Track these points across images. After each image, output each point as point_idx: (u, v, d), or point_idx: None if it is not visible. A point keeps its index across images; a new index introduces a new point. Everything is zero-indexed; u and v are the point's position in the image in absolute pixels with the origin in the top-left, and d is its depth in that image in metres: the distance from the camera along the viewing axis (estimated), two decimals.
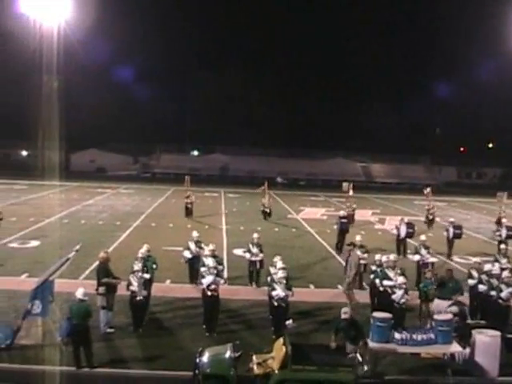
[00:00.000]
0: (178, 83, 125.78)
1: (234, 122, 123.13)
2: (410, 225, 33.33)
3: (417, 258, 26.01)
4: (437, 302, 19.94)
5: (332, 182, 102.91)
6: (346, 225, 34.25)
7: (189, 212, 45.24)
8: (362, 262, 24.78)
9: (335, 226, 34.95)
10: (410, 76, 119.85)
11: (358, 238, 26.41)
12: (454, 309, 18.17)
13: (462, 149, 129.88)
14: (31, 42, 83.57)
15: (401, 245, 33.26)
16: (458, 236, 33.55)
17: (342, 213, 36.09)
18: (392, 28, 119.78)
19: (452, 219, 35.50)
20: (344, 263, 25.34)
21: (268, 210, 46.21)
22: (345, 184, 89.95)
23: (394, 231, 34.56)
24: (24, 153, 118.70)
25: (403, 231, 33.06)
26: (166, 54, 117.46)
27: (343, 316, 16.31)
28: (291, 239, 38.23)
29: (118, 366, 16.20)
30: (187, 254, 24.56)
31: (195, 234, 25.58)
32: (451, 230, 33.51)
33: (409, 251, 32.14)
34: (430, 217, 43.94)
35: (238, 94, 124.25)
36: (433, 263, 25.99)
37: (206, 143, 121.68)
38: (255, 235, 26.08)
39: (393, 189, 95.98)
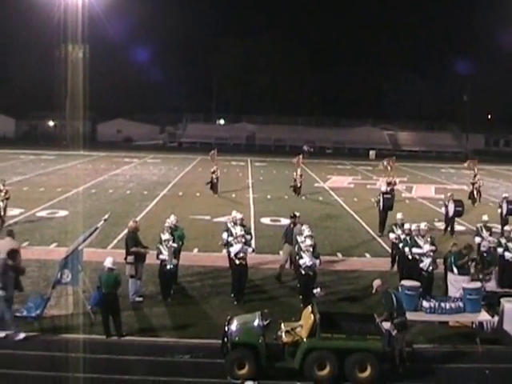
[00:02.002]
0: (204, 51, 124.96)
1: (260, 91, 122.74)
2: (458, 202, 30.79)
3: (477, 240, 22.73)
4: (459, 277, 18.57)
5: (359, 151, 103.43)
6: (389, 201, 30.13)
7: (215, 188, 42.43)
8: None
9: (375, 203, 31.11)
10: (439, 44, 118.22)
11: (399, 215, 23.77)
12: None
13: (489, 116, 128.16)
14: (55, 12, 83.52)
15: (449, 224, 30.79)
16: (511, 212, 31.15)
17: (383, 188, 32.49)
18: None
19: (506, 194, 32.86)
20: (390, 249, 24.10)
21: (299, 184, 43.36)
22: (371, 152, 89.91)
23: (443, 209, 31.72)
24: (51, 123, 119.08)
25: (451, 209, 30.50)
26: (193, 23, 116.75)
27: (373, 291, 15.71)
28: (318, 208, 38.24)
29: (147, 335, 16.24)
30: (225, 236, 21.31)
31: (235, 214, 22.26)
32: (505, 205, 31.17)
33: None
34: (475, 191, 40.66)
35: (264, 62, 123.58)
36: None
37: (232, 112, 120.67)
38: (234, 214, 22.42)
39: (420, 157, 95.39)
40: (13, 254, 16.27)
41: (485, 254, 20.85)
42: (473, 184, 41.03)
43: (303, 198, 41.53)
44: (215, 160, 43.42)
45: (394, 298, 15.01)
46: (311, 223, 24.30)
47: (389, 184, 35.82)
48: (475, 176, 41.25)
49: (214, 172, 42.32)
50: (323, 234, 29.06)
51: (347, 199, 41.84)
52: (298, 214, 22.83)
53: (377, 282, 15.54)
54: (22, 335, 15.60)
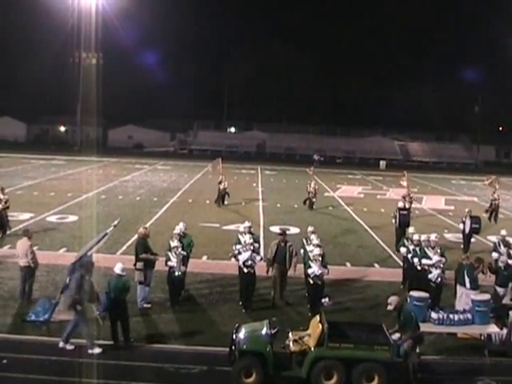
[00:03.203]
0: (216, 59, 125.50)
1: (272, 99, 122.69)
2: (475, 219, 29.71)
3: (495, 255, 22.09)
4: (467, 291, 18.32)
5: (369, 160, 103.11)
6: (406, 217, 28.96)
7: (219, 199, 39.90)
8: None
9: (393, 220, 29.55)
10: (450, 54, 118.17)
11: (410, 230, 23.44)
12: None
13: (500, 128, 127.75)
14: (69, 18, 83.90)
15: (465, 241, 29.52)
16: None
17: (400, 204, 30.63)
18: (433, 6, 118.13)
19: None
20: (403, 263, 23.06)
21: (314, 199, 40.80)
22: (382, 162, 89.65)
23: (460, 226, 29.98)
24: (62, 128, 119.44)
25: (468, 226, 29.34)
26: (205, 29, 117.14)
27: (388, 307, 15.11)
28: (327, 217, 38.20)
29: (155, 341, 16.20)
30: (235, 250, 20.33)
31: (246, 224, 21.57)
32: None
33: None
34: (493, 210, 38.88)
35: (276, 70, 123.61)
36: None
37: (243, 120, 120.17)
38: (246, 224, 21.64)
39: (430, 167, 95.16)
40: (89, 267, 16.11)
41: (502, 269, 19.70)
42: (492, 201, 39.41)
43: (313, 207, 41.30)
44: (220, 169, 40.87)
45: (414, 316, 14.75)
46: (320, 232, 24.16)
47: (404, 198, 34.19)
48: (494, 192, 39.76)
49: (220, 182, 39.75)
50: (332, 243, 28.99)
51: (357, 209, 41.82)
52: (287, 231, 22.62)
53: (394, 299, 14.96)
54: (97, 349, 15.45)
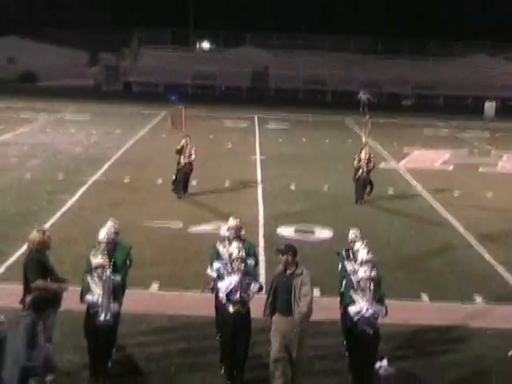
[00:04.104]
0: None
1: None
2: None
3: None
4: None
5: (464, 102, 69.22)
6: None
7: (183, 183, 24.58)
8: None
9: None
10: None
11: None
12: None
13: None
14: None
15: None
16: None
17: None
18: None
19: None
20: None
21: (365, 173, 24.25)
22: (488, 104, 59.58)
23: None
24: None
25: None
26: None
27: None
28: (387, 210, 24.60)
29: None
30: (213, 273, 12.64)
31: (232, 221, 13.01)
32: None
33: None
34: None
35: None
36: None
37: (224, 28, 77.01)
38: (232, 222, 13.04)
39: None
40: None
41: None
42: None
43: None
44: (183, 126, 25.63)
45: None
46: (371, 238, 15.20)
47: None
48: None
49: (181, 150, 24.59)
50: (395, 258, 18.45)
51: (441, 193, 27.18)
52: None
53: None
54: None
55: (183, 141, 24.25)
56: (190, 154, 24.24)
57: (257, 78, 72.25)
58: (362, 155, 24.08)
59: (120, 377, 11.82)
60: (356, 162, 24.26)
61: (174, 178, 24.33)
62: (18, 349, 9.67)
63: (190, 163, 24.25)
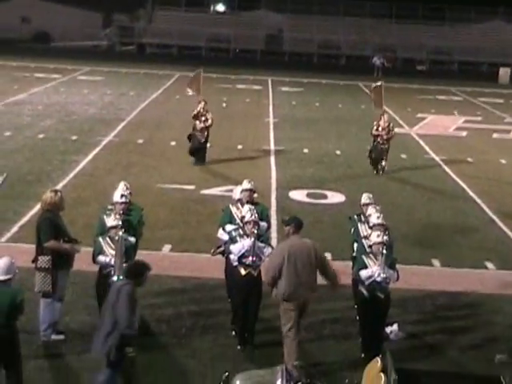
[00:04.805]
0: None
1: None
2: None
3: None
4: None
5: (479, 68, 69.11)
6: None
7: (200, 152, 24.33)
8: None
9: None
10: None
11: None
12: None
13: None
14: None
15: None
16: None
17: None
18: None
19: None
20: None
21: (385, 143, 23.60)
22: (503, 71, 59.57)
23: None
24: None
25: None
26: None
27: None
28: (399, 175, 24.38)
29: None
30: (225, 236, 12.54)
31: (246, 184, 12.92)
32: None
33: None
34: None
35: None
36: None
37: None
38: (246, 185, 12.92)
39: None
40: None
41: None
42: None
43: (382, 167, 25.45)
44: (199, 89, 25.69)
45: None
46: (384, 204, 15.33)
47: None
48: None
49: (198, 115, 24.43)
50: (409, 225, 18.29)
51: (454, 159, 27.04)
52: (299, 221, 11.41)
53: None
54: None
55: (200, 105, 24.21)
56: (206, 119, 24.06)
57: (271, 41, 72.41)
58: (381, 123, 23.62)
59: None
60: (374, 129, 23.77)
61: (191, 143, 24.14)
62: (120, 315, 9.63)
63: (207, 127, 24.11)
